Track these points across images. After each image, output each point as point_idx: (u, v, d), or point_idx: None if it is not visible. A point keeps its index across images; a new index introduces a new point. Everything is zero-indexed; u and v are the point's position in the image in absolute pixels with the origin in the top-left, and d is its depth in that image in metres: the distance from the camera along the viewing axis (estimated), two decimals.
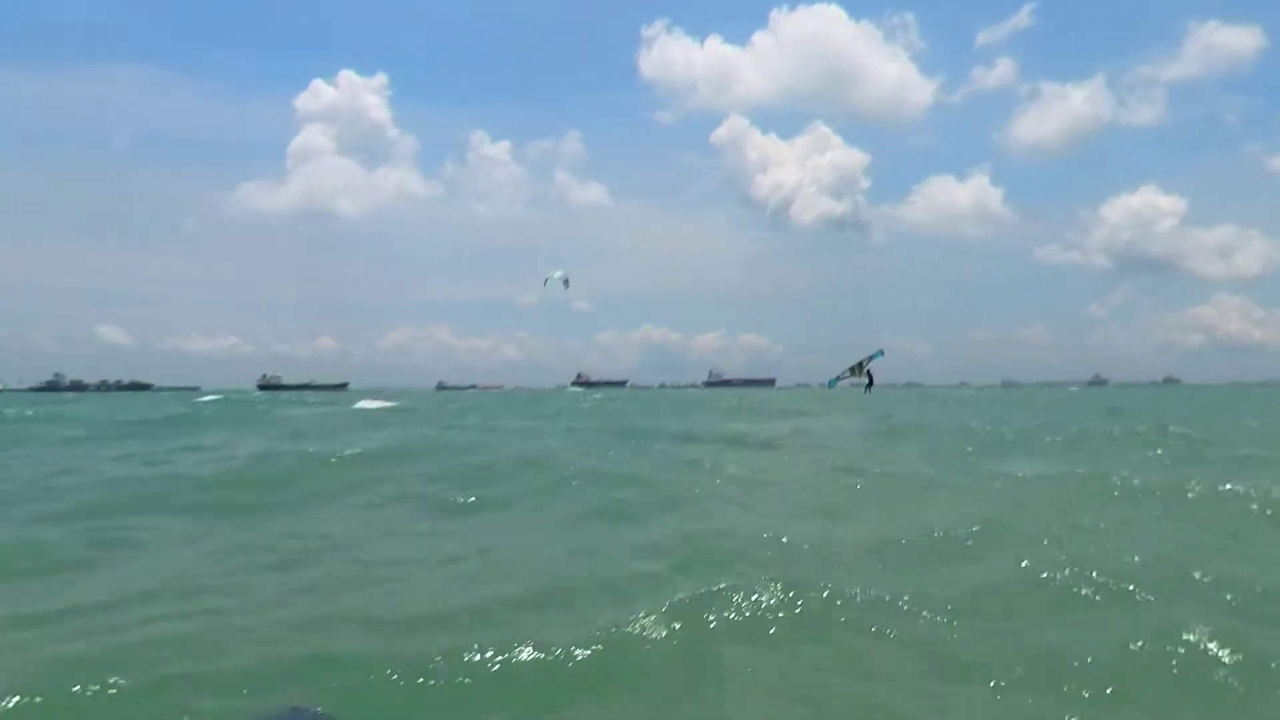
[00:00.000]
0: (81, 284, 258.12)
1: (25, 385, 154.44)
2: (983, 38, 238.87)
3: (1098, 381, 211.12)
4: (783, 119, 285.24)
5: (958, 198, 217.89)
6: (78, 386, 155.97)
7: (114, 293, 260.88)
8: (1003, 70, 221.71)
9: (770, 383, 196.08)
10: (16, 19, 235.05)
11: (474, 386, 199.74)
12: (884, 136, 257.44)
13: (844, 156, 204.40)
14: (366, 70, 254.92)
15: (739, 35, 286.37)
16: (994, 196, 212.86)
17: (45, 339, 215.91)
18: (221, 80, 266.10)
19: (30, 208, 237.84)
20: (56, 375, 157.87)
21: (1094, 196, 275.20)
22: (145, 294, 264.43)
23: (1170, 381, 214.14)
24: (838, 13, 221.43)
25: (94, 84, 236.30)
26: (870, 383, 46.56)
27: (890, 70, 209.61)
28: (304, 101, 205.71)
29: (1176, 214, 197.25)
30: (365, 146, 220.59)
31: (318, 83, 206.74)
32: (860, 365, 44.26)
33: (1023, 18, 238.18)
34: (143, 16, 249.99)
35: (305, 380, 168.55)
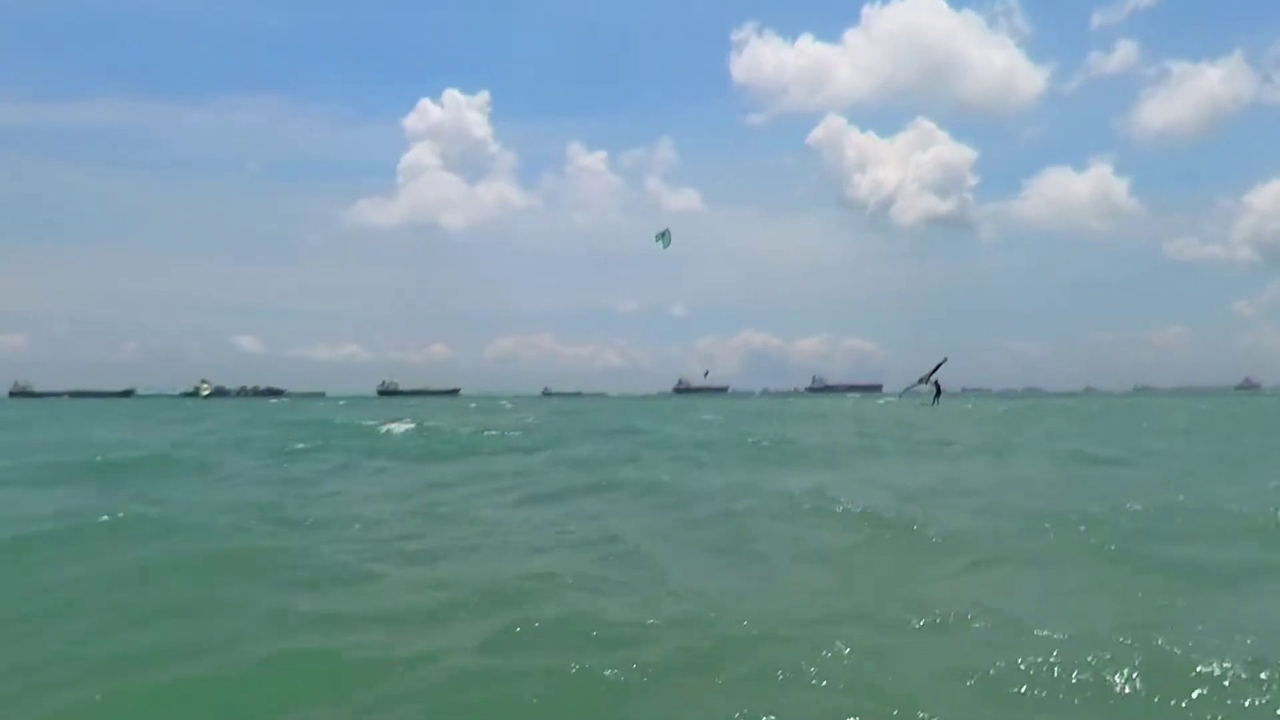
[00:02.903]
0: (222, 297, 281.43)
1: (177, 391, 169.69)
2: (1098, 19, 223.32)
3: (1248, 386, 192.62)
4: (882, 116, 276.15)
5: (1077, 190, 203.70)
6: (219, 393, 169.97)
7: (249, 305, 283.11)
8: (1124, 53, 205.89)
9: (877, 388, 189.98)
10: (166, 57, 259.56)
11: (579, 393, 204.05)
12: (992, 129, 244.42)
13: (949, 152, 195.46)
14: (470, 89, 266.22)
15: (831, 33, 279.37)
16: (1119, 188, 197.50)
17: (193, 349, 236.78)
18: (340, 105, 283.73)
19: (177, 229, 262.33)
20: (202, 381, 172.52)
21: (1236, 184, 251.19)
22: (276, 306, 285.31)
23: None
24: (935, 2, 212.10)
25: (230, 114, 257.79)
26: (938, 393, 45.21)
27: (996, 59, 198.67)
28: (412, 121, 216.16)
29: None
30: (468, 162, 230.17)
31: (424, 102, 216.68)
32: (929, 375, 42.95)
33: None
34: (272, 50, 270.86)
35: (420, 386, 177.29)
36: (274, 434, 26.70)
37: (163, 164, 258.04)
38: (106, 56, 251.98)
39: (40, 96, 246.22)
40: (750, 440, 23.44)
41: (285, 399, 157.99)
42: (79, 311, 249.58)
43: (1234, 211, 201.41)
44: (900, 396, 56.89)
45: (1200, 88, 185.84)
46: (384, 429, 26.45)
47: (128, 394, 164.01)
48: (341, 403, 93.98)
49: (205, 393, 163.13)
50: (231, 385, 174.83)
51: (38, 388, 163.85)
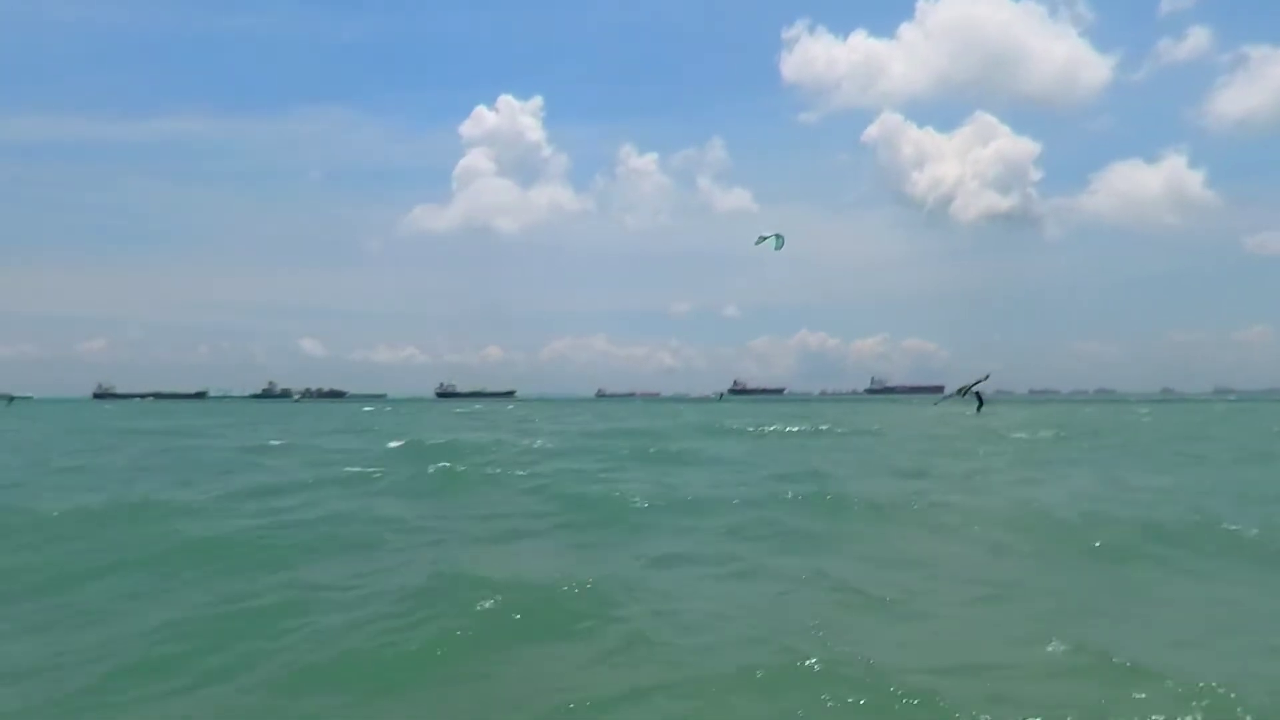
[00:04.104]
0: (288, 302, 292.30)
1: (247, 393, 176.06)
2: (1168, 6, 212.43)
3: None
4: (939, 111, 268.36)
5: (1148, 183, 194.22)
6: (286, 394, 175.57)
7: (313, 309, 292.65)
8: (1196, 39, 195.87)
9: (939, 389, 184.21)
10: (237, 75, 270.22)
11: (633, 394, 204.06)
12: (1056, 122, 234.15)
13: (1010, 146, 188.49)
14: (524, 94, 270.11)
15: (885, 28, 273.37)
16: (1193, 180, 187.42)
17: (260, 352, 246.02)
18: (398, 113, 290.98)
19: (246, 237, 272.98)
20: (270, 384, 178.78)
21: None
22: (338, 309, 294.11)
23: None
24: None
25: (295, 126, 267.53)
26: (980, 404, 44.09)
27: (1058, 50, 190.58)
28: (468, 127, 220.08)
29: None
30: (522, 166, 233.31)
31: (480, 108, 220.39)
32: (969, 388, 41.85)
33: None
34: (335, 63, 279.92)
35: (477, 388, 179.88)
36: None
37: (232, 175, 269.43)
38: (182, 75, 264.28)
39: (121, 114, 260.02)
40: None
41: (348, 400, 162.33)
42: (154, 316, 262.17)
43: None
44: (936, 404, 56.06)
45: None
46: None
47: (200, 395, 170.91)
48: (372, 407, 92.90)
49: (296, 397, 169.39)
50: (297, 387, 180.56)
51: (119, 389, 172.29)
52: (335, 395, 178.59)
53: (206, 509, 13.11)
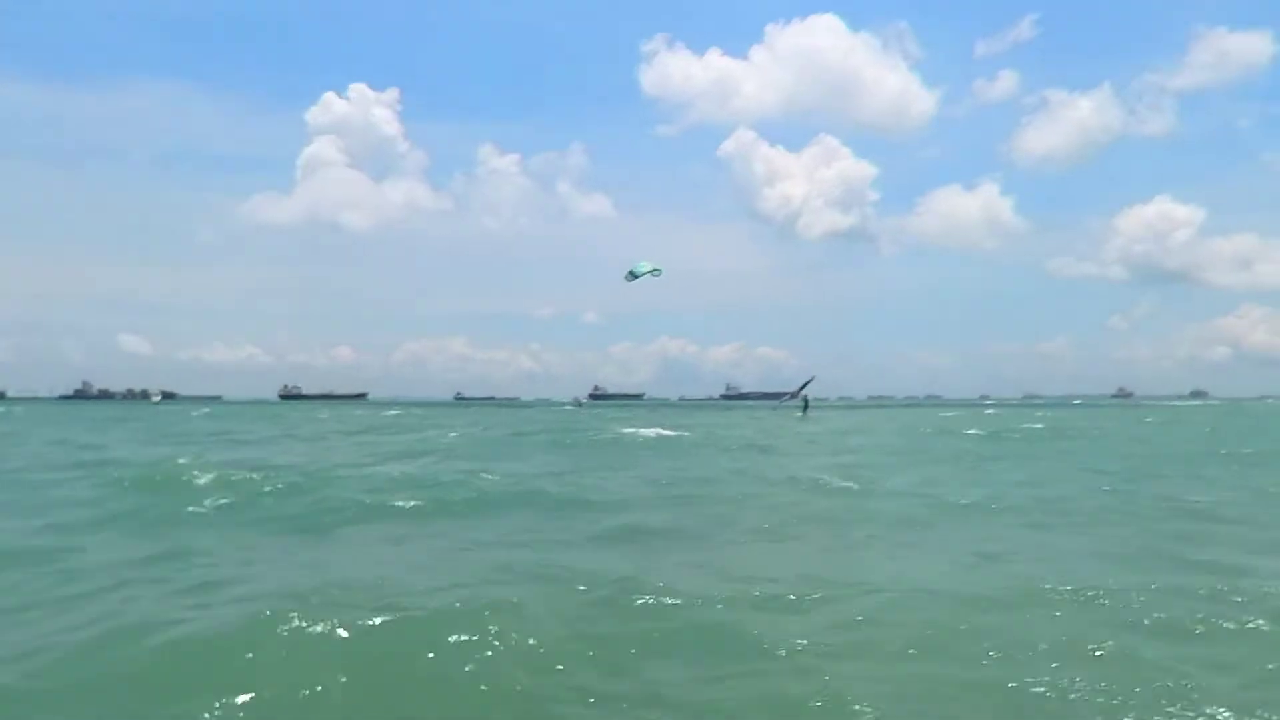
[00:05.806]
0: (105, 294, 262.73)
1: (55, 394, 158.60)
2: (981, 49, 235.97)
3: (1122, 395, 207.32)
4: (788, 131, 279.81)
5: (967, 209, 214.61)
6: (105, 395, 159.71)
7: (135, 303, 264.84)
8: (1006, 81, 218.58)
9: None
10: (42, 35, 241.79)
11: (492, 398, 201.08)
12: (889, 147, 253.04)
13: (852, 168, 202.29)
14: (379, 84, 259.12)
15: (738, 48, 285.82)
16: (1005, 207, 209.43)
17: (72, 349, 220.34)
18: (238, 94, 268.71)
19: (57, 220, 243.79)
20: (84, 384, 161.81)
21: (1107, 207, 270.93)
22: (166, 304, 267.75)
23: (1198, 395, 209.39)
24: (834, 23, 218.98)
25: (116, 98, 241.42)
26: (806, 405, 48.19)
27: (891, 81, 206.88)
28: (316, 114, 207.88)
29: (1193, 224, 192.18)
30: (376, 159, 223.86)
31: (329, 95, 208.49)
32: (798, 391, 45.63)
33: (1023, 29, 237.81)
34: (166, 33, 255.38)
35: (325, 390, 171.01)
36: None
37: (44, 150, 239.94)
38: None
39: None
40: None
41: (179, 402, 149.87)
42: None
43: (1104, 233, 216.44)
44: (774, 408, 60.28)
45: (1073, 117, 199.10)
46: None
47: None
48: (198, 411, 76.10)
49: (156, 399, 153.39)
50: (117, 388, 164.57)
51: None
52: (167, 397, 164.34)
53: None
